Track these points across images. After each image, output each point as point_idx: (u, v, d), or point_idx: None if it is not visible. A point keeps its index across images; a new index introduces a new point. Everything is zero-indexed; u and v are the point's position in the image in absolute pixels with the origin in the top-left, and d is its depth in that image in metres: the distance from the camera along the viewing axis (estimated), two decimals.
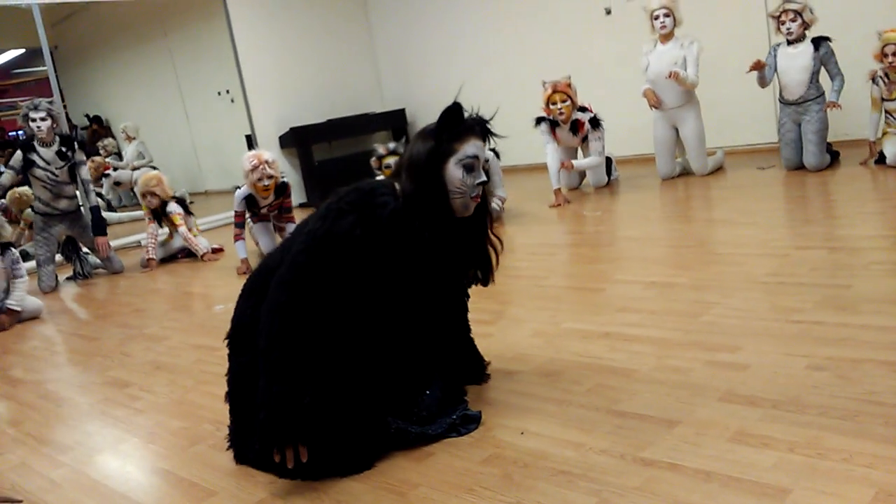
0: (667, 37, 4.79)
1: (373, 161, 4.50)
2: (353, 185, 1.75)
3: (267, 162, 4.20)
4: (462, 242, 1.84)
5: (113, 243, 5.14)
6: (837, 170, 4.37)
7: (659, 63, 4.79)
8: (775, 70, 4.48)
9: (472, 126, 1.77)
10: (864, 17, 4.62)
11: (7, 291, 3.95)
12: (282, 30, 7.06)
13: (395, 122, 7.47)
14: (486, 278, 1.94)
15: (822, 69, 4.35)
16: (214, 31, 6.84)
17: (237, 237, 4.39)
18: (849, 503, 1.28)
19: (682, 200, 4.40)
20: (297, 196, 6.03)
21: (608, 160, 5.14)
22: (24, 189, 5.41)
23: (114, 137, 8.40)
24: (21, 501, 1.81)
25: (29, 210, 5.38)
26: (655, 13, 4.74)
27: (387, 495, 1.57)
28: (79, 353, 3.26)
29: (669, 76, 4.64)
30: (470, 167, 1.74)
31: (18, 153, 4.67)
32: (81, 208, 5.02)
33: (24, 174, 4.77)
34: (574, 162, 4.92)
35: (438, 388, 1.83)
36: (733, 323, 2.21)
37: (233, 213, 4.44)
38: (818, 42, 4.32)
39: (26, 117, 4.60)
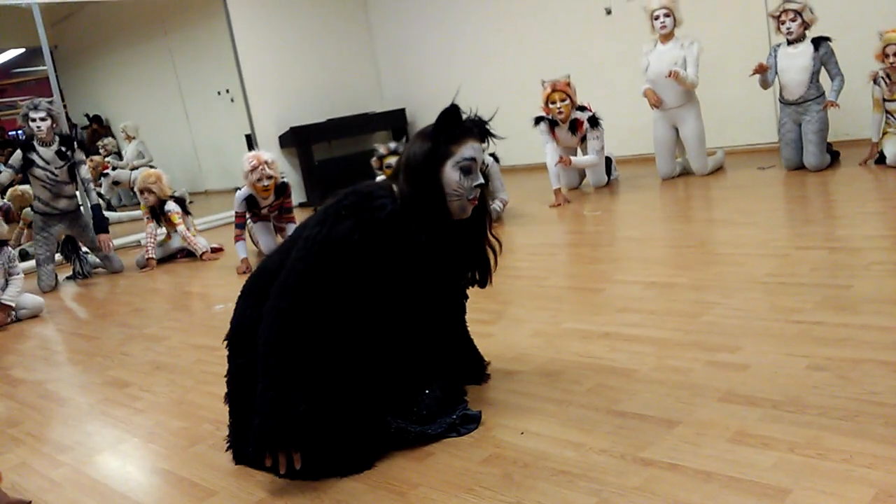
0: (667, 37, 4.79)
1: (374, 161, 4.50)
2: (352, 188, 1.75)
3: (266, 162, 4.20)
4: (460, 245, 1.84)
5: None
6: (837, 170, 4.37)
7: (659, 63, 4.79)
8: (776, 71, 4.49)
9: (469, 128, 1.76)
10: (864, 18, 4.62)
11: (4, 289, 3.96)
12: (282, 30, 7.06)
13: (394, 121, 7.47)
14: (483, 280, 1.94)
15: (823, 69, 4.35)
16: (214, 30, 6.84)
17: (237, 238, 4.39)
18: (849, 503, 1.28)
19: (683, 200, 4.40)
20: (297, 196, 6.03)
21: (608, 160, 5.13)
22: (26, 187, 5.41)
23: (114, 137, 8.40)
24: (30, 502, 1.81)
25: (28, 209, 5.39)
26: (655, 13, 4.74)
27: (387, 495, 1.57)
28: (79, 353, 3.26)
29: (669, 76, 4.64)
30: (467, 170, 1.74)
31: (18, 152, 4.68)
32: (81, 208, 5.02)
33: (24, 174, 4.78)
34: (573, 158, 4.92)
35: (438, 387, 1.83)
36: (733, 323, 2.21)
37: (233, 214, 4.44)
38: (818, 42, 4.32)
39: (26, 117, 4.60)
